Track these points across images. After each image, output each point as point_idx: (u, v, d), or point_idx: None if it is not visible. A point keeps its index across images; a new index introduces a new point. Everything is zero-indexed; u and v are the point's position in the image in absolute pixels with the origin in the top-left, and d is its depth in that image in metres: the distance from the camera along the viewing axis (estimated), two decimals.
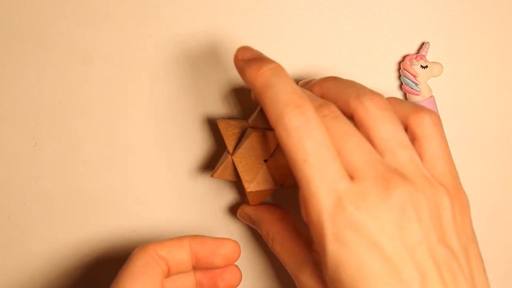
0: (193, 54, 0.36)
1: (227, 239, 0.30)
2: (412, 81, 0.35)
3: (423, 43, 0.36)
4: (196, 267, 0.30)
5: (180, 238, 0.29)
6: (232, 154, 0.32)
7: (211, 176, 0.32)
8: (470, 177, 0.36)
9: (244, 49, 0.28)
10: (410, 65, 0.35)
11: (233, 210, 0.37)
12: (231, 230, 0.37)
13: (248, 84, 0.26)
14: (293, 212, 0.31)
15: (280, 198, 0.36)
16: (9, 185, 0.36)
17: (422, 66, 0.35)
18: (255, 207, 0.33)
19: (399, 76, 0.36)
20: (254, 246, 0.37)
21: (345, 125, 0.25)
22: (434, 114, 0.27)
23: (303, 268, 0.28)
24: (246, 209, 0.34)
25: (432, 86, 0.36)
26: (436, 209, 0.25)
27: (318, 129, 0.24)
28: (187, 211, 0.37)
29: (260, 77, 0.26)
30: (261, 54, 0.28)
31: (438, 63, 0.35)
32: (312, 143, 0.24)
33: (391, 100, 0.28)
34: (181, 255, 0.29)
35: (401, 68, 0.36)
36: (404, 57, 0.36)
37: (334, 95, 0.27)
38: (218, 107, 0.36)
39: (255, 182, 0.31)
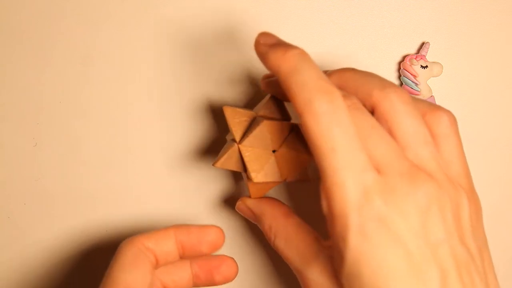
0: (192, 54, 0.36)
1: (211, 226, 0.29)
2: (412, 81, 0.35)
3: (423, 43, 0.36)
4: (183, 256, 0.30)
5: (166, 229, 0.29)
6: (239, 143, 0.30)
7: (213, 165, 0.30)
8: None
9: (265, 34, 0.26)
10: (410, 65, 0.35)
11: (230, 202, 0.37)
12: (230, 225, 0.37)
13: (272, 69, 0.25)
14: (294, 208, 0.31)
15: (279, 195, 0.36)
16: (9, 185, 0.36)
17: (422, 66, 0.35)
18: (257, 200, 0.31)
19: (399, 76, 0.36)
20: (249, 240, 0.37)
21: (369, 118, 0.25)
22: (451, 114, 0.26)
23: (310, 265, 0.27)
24: (247, 202, 0.31)
25: (432, 86, 0.36)
26: (457, 209, 0.24)
27: (347, 118, 0.23)
28: (188, 210, 0.37)
29: (286, 61, 0.24)
30: (283, 40, 0.27)
31: (438, 63, 0.35)
32: (341, 131, 0.23)
33: None
34: (168, 246, 0.29)
35: (401, 68, 0.36)
36: (404, 57, 0.36)
37: (354, 87, 0.26)
38: (218, 107, 0.36)
39: (263, 173, 0.29)
